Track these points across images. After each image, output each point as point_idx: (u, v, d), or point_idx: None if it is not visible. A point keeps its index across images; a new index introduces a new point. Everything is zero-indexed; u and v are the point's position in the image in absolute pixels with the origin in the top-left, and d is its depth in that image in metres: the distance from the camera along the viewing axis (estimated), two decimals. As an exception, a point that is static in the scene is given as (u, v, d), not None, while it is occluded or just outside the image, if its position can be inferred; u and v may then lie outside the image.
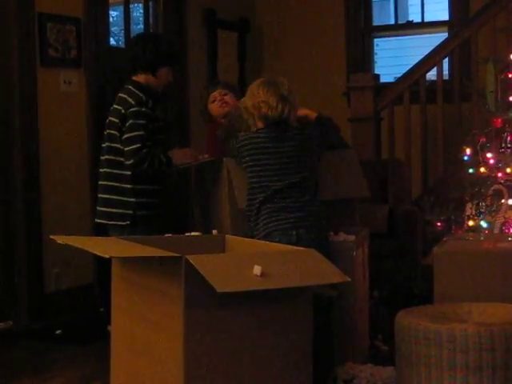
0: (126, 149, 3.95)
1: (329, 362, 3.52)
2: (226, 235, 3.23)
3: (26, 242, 5.10)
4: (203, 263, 2.41)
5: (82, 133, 5.51)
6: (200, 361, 2.48)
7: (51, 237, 2.87)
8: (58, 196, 5.30)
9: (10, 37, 5.05)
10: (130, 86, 4.08)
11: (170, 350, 2.52)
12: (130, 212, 4.00)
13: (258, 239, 3.51)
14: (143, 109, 3.98)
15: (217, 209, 4.04)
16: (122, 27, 6.41)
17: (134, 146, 3.93)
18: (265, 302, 2.56)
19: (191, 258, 2.41)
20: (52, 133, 5.27)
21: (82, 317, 4.92)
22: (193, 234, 3.21)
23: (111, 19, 6.53)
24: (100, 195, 4.13)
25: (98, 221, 4.13)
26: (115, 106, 4.07)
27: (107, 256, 2.51)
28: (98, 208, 4.14)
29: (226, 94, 4.45)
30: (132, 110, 3.97)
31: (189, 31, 6.62)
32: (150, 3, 6.50)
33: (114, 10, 6.93)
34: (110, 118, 4.08)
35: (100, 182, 4.14)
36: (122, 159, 4.01)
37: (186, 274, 2.43)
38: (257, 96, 3.64)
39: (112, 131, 4.05)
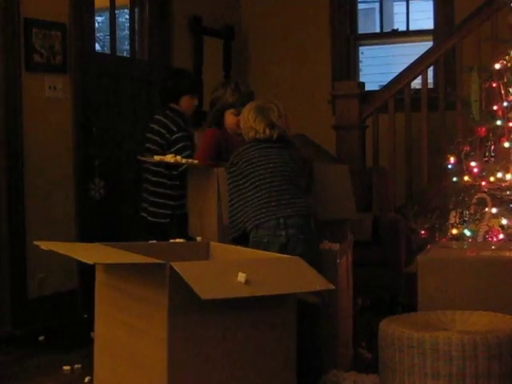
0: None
1: (315, 369, 3.51)
2: (211, 242, 3.23)
3: (9, 247, 5.06)
4: (187, 270, 2.41)
5: (67, 138, 5.49)
6: (184, 367, 2.47)
7: (35, 243, 2.86)
8: (43, 201, 5.28)
9: (-6, 42, 5.03)
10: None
11: (153, 357, 2.51)
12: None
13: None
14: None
15: (204, 214, 4.01)
16: (108, 33, 6.40)
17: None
18: (249, 309, 2.56)
19: (175, 265, 2.40)
20: (37, 138, 5.25)
21: (66, 323, 4.90)
22: (177, 240, 3.21)
23: (97, 25, 6.51)
24: None
25: None
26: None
27: (91, 262, 2.50)
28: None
29: None
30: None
31: (174, 38, 6.62)
32: (136, 9, 6.49)
33: (99, 16, 6.91)
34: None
35: None
36: None
37: (170, 281, 2.43)
38: (247, 121, 3.81)
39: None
